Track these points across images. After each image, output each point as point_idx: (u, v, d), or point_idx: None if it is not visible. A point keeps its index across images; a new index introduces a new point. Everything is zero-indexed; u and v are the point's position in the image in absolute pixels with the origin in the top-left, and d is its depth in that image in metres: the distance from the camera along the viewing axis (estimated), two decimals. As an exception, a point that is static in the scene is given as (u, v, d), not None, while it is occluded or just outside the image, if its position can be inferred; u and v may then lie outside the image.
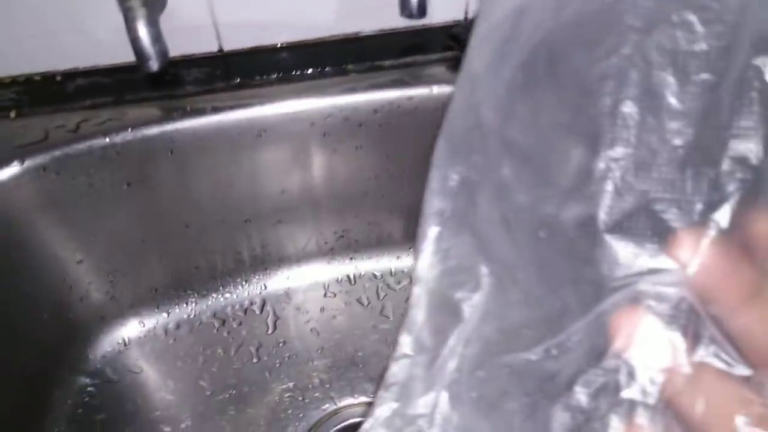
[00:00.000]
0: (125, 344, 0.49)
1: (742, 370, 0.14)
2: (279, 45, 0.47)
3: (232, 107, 0.42)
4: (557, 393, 0.16)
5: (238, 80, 0.45)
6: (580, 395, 0.15)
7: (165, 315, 0.50)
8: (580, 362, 0.16)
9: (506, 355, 0.18)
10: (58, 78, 0.45)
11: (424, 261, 0.21)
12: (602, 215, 0.15)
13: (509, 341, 0.18)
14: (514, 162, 0.18)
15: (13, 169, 0.40)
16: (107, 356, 0.48)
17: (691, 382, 0.14)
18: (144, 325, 0.50)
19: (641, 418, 0.15)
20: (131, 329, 0.49)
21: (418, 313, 0.21)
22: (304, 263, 0.52)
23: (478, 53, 0.20)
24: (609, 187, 0.15)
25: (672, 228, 0.14)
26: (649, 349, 0.14)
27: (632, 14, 0.15)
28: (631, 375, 0.15)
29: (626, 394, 0.15)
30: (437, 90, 0.44)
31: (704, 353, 0.14)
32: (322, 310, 0.51)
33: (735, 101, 0.14)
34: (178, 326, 0.50)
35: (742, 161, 0.14)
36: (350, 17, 0.47)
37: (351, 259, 0.53)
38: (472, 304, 0.19)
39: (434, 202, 0.21)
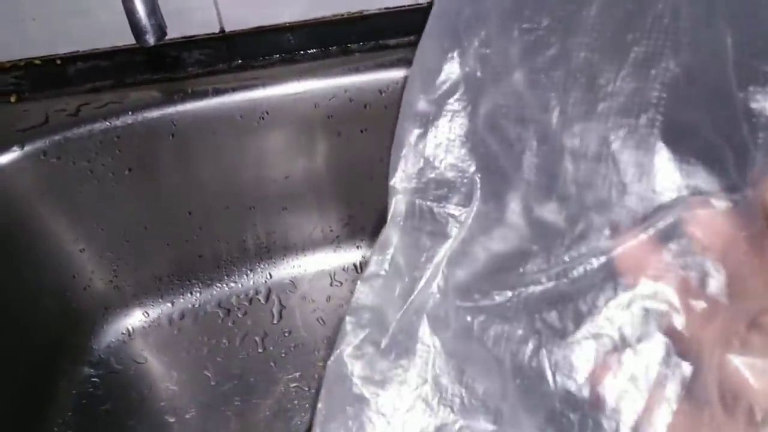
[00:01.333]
0: (129, 334, 0.48)
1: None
2: (281, 25, 0.46)
3: (234, 89, 0.42)
4: (564, 330, 0.15)
5: (240, 61, 0.44)
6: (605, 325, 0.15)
7: (169, 305, 0.49)
8: (593, 293, 0.15)
9: (505, 277, 0.15)
10: (59, 61, 0.44)
11: (404, 170, 0.18)
12: (657, 121, 0.14)
13: (506, 264, 0.16)
14: (526, 50, 0.15)
15: (13, 154, 0.40)
16: (111, 346, 0.48)
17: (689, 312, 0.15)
18: (148, 315, 0.49)
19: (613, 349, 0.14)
20: (135, 319, 0.49)
21: (393, 231, 0.18)
22: (309, 251, 0.51)
23: None
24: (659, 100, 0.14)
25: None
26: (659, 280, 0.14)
27: None
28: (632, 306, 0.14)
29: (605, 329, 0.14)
30: (445, 69, 0.42)
31: (711, 289, 0.14)
32: (329, 299, 0.50)
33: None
34: (182, 316, 0.49)
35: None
36: (354, -4, 0.46)
37: (357, 247, 0.52)
38: (461, 219, 0.17)
39: (416, 104, 0.18)
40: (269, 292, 0.50)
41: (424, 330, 0.17)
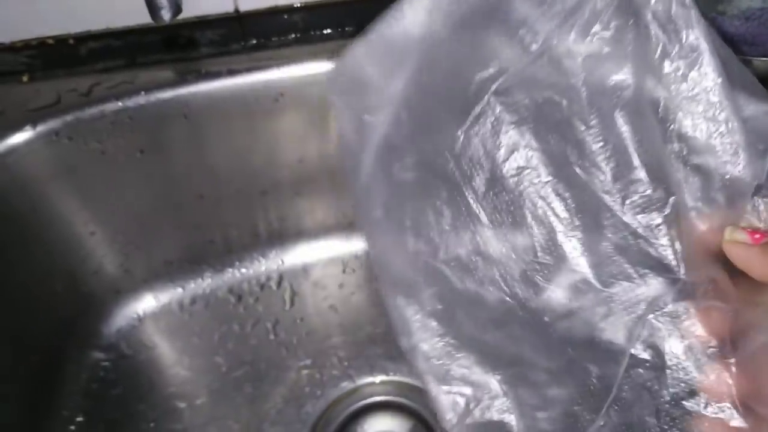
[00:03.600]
0: (140, 319, 0.48)
1: None
2: (297, 5, 0.45)
3: (248, 70, 0.41)
4: None
5: (255, 42, 0.43)
6: None
7: (180, 290, 0.49)
8: None
9: None
10: (71, 41, 0.44)
11: None
12: None
13: None
14: None
15: (25, 134, 0.39)
16: (122, 331, 0.47)
17: None
18: (159, 300, 0.48)
19: None
20: (146, 303, 0.48)
21: None
22: (322, 237, 0.51)
23: None
24: None
25: None
26: None
27: None
28: None
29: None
30: (463, 50, 0.41)
31: None
32: (341, 286, 0.50)
33: None
34: (193, 301, 0.49)
35: None
36: (371, -24, 0.45)
37: (371, 233, 0.51)
38: None
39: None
40: (281, 278, 0.50)
41: None
